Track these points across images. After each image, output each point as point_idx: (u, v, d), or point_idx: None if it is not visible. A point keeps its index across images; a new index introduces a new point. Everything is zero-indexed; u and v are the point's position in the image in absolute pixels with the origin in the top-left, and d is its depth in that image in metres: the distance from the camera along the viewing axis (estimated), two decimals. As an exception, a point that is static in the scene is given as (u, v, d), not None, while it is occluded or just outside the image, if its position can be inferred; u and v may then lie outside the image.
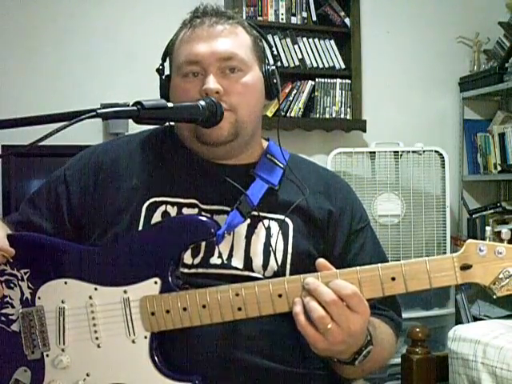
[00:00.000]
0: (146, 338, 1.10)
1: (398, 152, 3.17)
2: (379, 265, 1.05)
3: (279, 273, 1.17)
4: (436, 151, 3.15)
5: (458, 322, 3.18)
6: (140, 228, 1.18)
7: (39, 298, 1.14)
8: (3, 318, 1.16)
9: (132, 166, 1.26)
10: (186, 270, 1.16)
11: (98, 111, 1.01)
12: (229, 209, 1.19)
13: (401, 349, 2.09)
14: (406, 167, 3.15)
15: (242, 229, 1.19)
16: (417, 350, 1.54)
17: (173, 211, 1.20)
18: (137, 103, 1.06)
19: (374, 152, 3.16)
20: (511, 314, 3.28)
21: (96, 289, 1.12)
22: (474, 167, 3.72)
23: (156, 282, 1.10)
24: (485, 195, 3.78)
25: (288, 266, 1.19)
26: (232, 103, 1.19)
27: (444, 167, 3.14)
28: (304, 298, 1.02)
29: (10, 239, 1.16)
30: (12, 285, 1.16)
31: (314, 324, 1.01)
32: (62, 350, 1.13)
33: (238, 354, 1.12)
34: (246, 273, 1.17)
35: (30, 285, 1.15)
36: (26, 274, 1.15)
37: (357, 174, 3.12)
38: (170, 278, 1.10)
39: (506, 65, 3.48)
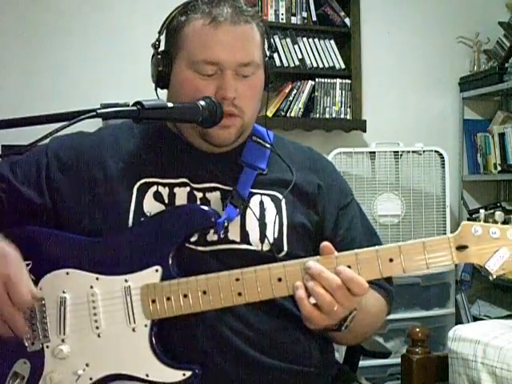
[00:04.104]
0: (146, 326, 1.11)
1: (398, 152, 3.17)
2: (377, 247, 1.08)
3: (276, 245, 1.19)
4: (436, 151, 3.15)
5: (458, 322, 3.18)
6: (132, 209, 1.18)
7: (41, 288, 1.15)
8: None
9: (119, 150, 1.26)
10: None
11: (98, 111, 1.02)
12: (220, 186, 1.21)
13: (401, 349, 2.09)
14: (406, 167, 3.15)
15: None
16: (417, 350, 1.54)
17: (164, 191, 1.20)
18: (137, 103, 1.07)
19: (374, 152, 3.16)
20: (511, 314, 3.28)
21: (97, 278, 1.13)
22: (474, 167, 3.71)
23: (157, 270, 1.11)
24: (485, 195, 3.78)
25: (285, 238, 1.21)
26: (242, 108, 1.21)
27: (444, 167, 3.14)
28: (307, 282, 1.04)
29: (12, 232, 1.16)
30: None
31: (317, 306, 1.03)
32: (62, 341, 1.13)
33: (236, 347, 1.13)
34: (244, 246, 1.18)
35: (32, 276, 1.15)
36: (28, 265, 1.15)
37: (357, 173, 3.12)
38: (170, 266, 1.11)
39: (506, 65, 3.48)
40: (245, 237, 1.19)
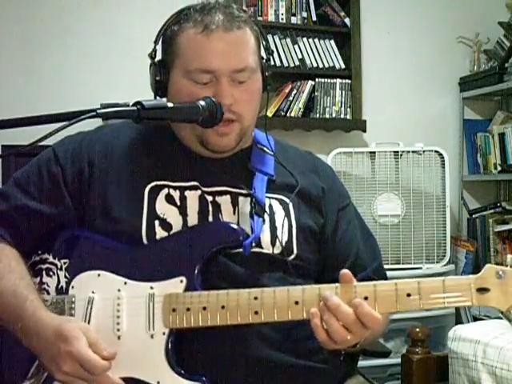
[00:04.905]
0: (164, 334, 1.13)
1: (398, 152, 3.17)
2: (396, 280, 1.08)
3: (287, 248, 1.21)
4: (436, 151, 3.15)
5: (458, 322, 3.18)
6: (144, 211, 1.20)
7: (73, 287, 1.19)
8: None
9: (126, 154, 1.26)
10: None
11: (98, 111, 1.02)
12: (231, 189, 1.23)
13: (401, 349, 2.09)
14: (406, 167, 3.15)
15: (246, 208, 1.22)
16: (417, 350, 1.54)
17: (176, 194, 1.22)
18: (137, 103, 1.07)
19: (374, 152, 3.16)
20: (511, 314, 3.28)
21: (125, 283, 1.16)
22: (474, 167, 3.71)
23: (182, 281, 1.14)
24: (485, 195, 3.78)
25: (294, 241, 1.23)
26: (239, 113, 1.22)
27: (444, 167, 3.14)
28: (323, 314, 1.05)
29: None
30: (51, 273, 1.21)
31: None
32: None
33: (248, 351, 1.14)
34: (257, 249, 1.20)
35: (66, 274, 1.20)
36: (65, 263, 1.21)
37: (357, 174, 3.12)
38: (195, 279, 1.14)
39: (506, 65, 3.48)
40: (257, 240, 1.20)
